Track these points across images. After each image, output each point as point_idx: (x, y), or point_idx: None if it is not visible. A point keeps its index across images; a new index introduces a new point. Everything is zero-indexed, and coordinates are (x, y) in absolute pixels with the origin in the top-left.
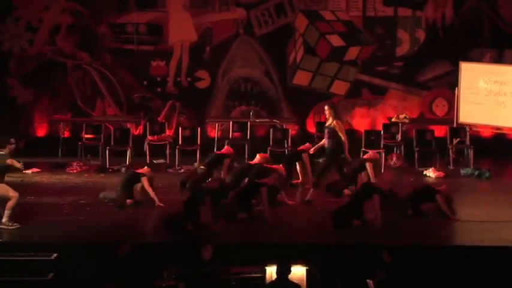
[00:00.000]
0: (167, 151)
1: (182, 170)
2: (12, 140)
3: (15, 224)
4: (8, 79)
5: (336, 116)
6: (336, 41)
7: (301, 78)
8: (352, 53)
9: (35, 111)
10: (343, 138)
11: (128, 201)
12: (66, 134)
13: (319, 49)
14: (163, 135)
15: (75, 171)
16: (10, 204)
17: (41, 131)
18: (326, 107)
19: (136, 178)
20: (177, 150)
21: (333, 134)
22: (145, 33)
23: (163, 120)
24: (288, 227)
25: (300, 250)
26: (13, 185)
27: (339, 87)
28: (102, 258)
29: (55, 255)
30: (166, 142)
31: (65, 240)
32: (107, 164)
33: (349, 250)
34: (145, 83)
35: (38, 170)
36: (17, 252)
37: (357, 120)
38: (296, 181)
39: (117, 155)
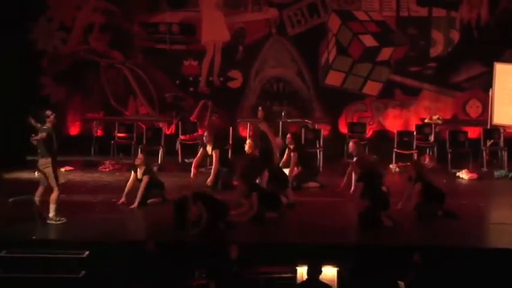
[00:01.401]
0: (199, 150)
1: None
2: (49, 112)
3: (62, 218)
4: (41, 78)
5: (267, 119)
6: (368, 41)
7: (333, 79)
8: (385, 53)
9: (68, 109)
10: (272, 140)
11: (154, 200)
12: (99, 133)
13: (351, 49)
14: (195, 134)
15: (107, 169)
16: (53, 197)
17: (74, 130)
18: (260, 108)
19: None
20: None
21: (264, 136)
22: (178, 33)
23: (196, 120)
24: (318, 227)
25: (331, 251)
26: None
27: (372, 88)
28: (133, 257)
29: (87, 253)
30: (198, 141)
31: (97, 239)
32: None
33: (380, 251)
34: (177, 82)
35: (71, 168)
36: (49, 250)
37: (389, 121)
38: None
39: (149, 154)
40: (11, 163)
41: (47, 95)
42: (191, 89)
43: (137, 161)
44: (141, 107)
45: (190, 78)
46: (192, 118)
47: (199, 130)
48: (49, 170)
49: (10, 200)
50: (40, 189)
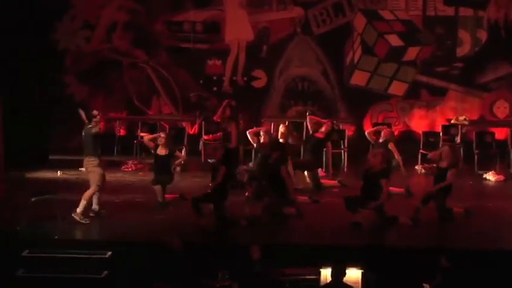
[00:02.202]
0: None
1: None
2: (95, 111)
3: (86, 219)
4: (64, 77)
5: (233, 118)
6: (394, 40)
7: (358, 79)
8: (411, 53)
9: (90, 109)
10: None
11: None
12: (122, 132)
13: (377, 49)
14: (218, 134)
15: (130, 169)
16: (87, 194)
17: None
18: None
19: None
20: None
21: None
22: (202, 32)
23: (219, 120)
24: (342, 228)
25: (355, 252)
26: (68, 183)
27: (397, 88)
28: (156, 257)
29: (109, 253)
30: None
31: (119, 239)
32: None
33: (405, 253)
34: (201, 81)
35: None
36: (71, 250)
37: (415, 122)
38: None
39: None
40: (33, 162)
41: (70, 94)
42: (215, 88)
43: (160, 140)
44: (164, 107)
45: (214, 78)
46: (216, 118)
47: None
48: (92, 169)
49: (32, 199)
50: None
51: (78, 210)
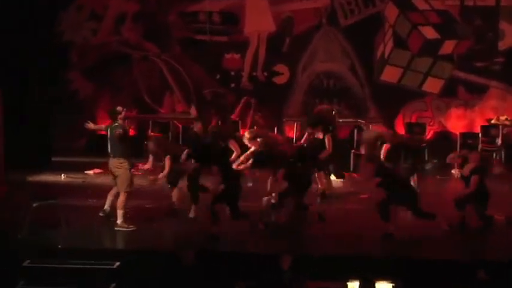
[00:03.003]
0: None
1: (257, 174)
2: (120, 108)
3: (131, 226)
4: (68, 72)
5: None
6: (429, 33)
7: (389, 74)
8: (448, 46)
9: (97, 106)
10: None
11: None
12: (131, 132)
13: (410, 42)
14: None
15: (140, 173)
16: (120, 202)
17: None
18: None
19: None
20: None
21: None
22: (219, 23)
23: (237, 119)
24: (370, 238)
25: (384, 264)
26: (72, 187)
27: (432, 85)
28: (167, 268)
29: (117, 263)
30: None
31: (128, 248)
32: None
33: (438, 265)
34: (218, 77)
35: (101, 170)
36: (76, 260)
37: (452, 122)
38: None
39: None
40: (35, 163)
41: (75, 90)
42: (233, 84)
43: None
44: (178, 104)
45: (232, 73)
46: (234, 117)
47: (241, 130)
48: (121, 172)
49: (34, 204)
50: (114, 189)
51: (119, 221)
